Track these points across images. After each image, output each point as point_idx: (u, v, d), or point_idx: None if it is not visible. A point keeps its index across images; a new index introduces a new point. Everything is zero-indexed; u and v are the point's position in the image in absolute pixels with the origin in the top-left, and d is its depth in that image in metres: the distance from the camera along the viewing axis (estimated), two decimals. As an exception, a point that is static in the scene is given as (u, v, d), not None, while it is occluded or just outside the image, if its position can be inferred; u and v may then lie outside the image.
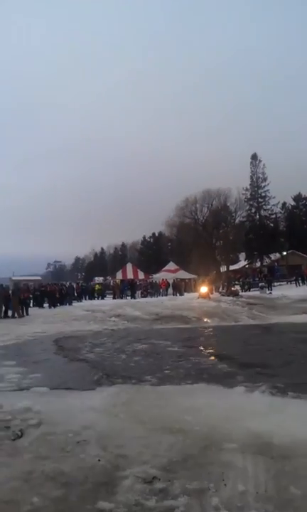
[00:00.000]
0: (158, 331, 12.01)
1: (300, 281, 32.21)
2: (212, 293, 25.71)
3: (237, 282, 33.98)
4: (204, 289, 24.11)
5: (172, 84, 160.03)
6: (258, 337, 10.74)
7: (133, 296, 27.56)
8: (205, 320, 14.23)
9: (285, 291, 28.32)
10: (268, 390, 5.24)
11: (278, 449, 3.45)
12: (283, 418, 4.22)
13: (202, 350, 8.55)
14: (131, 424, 4.05)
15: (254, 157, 50.01)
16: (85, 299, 26.41)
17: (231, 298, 23.39)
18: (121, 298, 27.28)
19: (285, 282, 36.07)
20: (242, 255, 53.86)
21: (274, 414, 4.37)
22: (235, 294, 25.91)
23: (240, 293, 27.73)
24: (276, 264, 44.41)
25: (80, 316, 15.38)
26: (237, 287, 30.33)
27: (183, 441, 3.64)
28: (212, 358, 7.72)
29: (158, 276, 35.16)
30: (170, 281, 31.65)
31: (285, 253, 45.50)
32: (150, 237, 77.39)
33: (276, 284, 34.03)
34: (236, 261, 54.32)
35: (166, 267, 38.48)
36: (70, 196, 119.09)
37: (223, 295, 25.99)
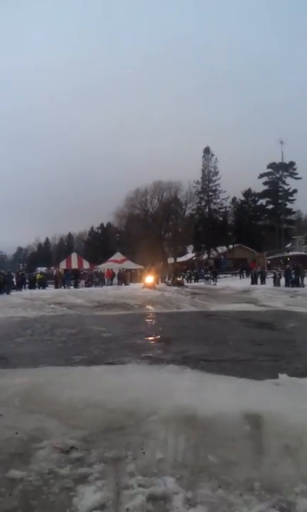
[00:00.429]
0: (98, 316, 11.87)
1: (244, 274, 33.30)
2: (157, 283, 25.96)
3: (183, 273, 34.58)
4: (149, 279, 24.28)
5: (123, 71, 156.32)
6: (195, 321, 10.97)
7: (76, 286, 27.15)
8: (147, 307, 14.28)
9: (229, 282, 29.21)
10: (198, 368, 5.32)
11: (201, 421, 3.47)
12: (209, 393, 4.26)
13: (139, 333, 8.54)
14: (54, 399, 3.92)
15: (207, 151, 50.98)
16: (25, 289, 25.57)
17: (176, 288, 23.74)
18: (64, 287, 26.77)
19: (230, 274, 37.21)
20: (190, 247, 54.92)
21: (201, 390, 4.40)
22: (180, 284, 26.36)
23: (185, 283, 28.24)
24: (222, 256, 45.63)
25: (17, 304, 14.88)
26: (183, 278, 30.85)
27: (106, 414, 3.57)
28: (148, 340, 7.73)
29: (104, 267, 34.86)
30: (116, 272, 31.51)
31: (232, 246, 46.83)
32: (98, 227, 76.62)
33: (221, 276, 35.02)
34: (184, 253, 55.30)
35: (113, 257, 38.16)
36: (14, 184, 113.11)
37: (169, 285, 26.35)
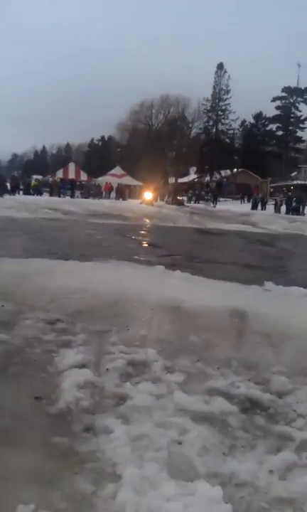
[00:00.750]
0: (93, 223, 11.77)
1: (245, 199, 32.90)
2: (156, 200, 25.59)
3: (184, 194, 33.99)
4: (148, 195, 23.89)
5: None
6: (190, 235, 11.05)
7: (72, 196, 26.63)
8: (144, 219, 14.23)
9: (229, 206, 28.87)
10: (186, 270, 5.34)
11: (186, 311, 3.52)
12: (197, 291, 4.29)
13: (132, 239, 8.56)
14: (42, 285, 3.89)
15: (220, 67, 47.60)
16: (19, 194, 24.70)
17: (175, 207, 23.45)
18: (60, 196, 26.18)
19: (231, 199, 36.72)
20: (193, 169, 53.44)
21: (189, 288, 4.44)
22: (180, 203, 26.03)
23: (185, 203, 27.89)
24: (225, 180, 44.61)
25: (10, 206, 14.47)
26: (184, 198, 30.41)
27: (93, 299, 3.59)
28: (140, 244, 7.76)
29: (102, 180, 34.05)
30: (115, 186, 30.87)
31: (236, 170, 45.65)
32: (98, 140, 73.38)
33: (221, 199, 34.53)
34: (186, 174, 53.91)
35: (112, 171, 37.09)
36: (10, 85, 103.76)
37: (168, 203, 26.00)
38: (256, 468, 1.71)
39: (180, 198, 28.27)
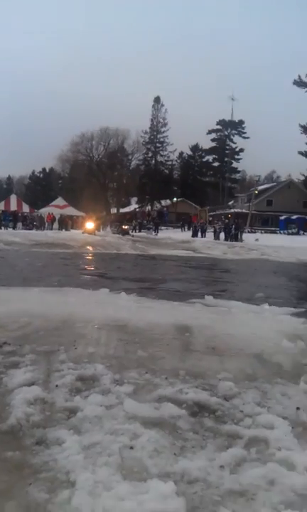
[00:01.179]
0: (36, 253, 11.63)
1: (185, 227, 33.92)
2: (98, 230, 25.66)
3: (128, 223, 34.41)
4: (90, 225, 23.91)
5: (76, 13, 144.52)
6: (133, 260, 11.21)
7: (15, 228, 26.13)
8: (87, 248, 14.23)
9: (170, 234, 29.61)
10: (131, 292, 5.45)
11: (132, 328, 3.60)
12: (142, 311, 4.41)
13: (75, 265, 8.55)
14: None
15: (157, 100, 49.53)
16: None
17: (117, 235, 23.64)
18: (1, 229, 25.62)
19: (171, 227, 37.69)
20: (134, 200, 54.47)
21: (135, 308, 4.55)
22: (126, 232, 26.26)
23: (131, 232, 28.19)
24: (165, 209, 45.79)
25: None
26: (129, 227, 30.77)
27: (41, 322, 3.57)
28: (84, 270, 7.77)
29: (45, 211, 33.73)
30: (57, 217, 30.65)
31: (175, 200, 47.09)
32: (40, 172, 72.88)
33: (162, 228, 35.33)
34: (127, 204, 54.80)
35: (54, 202, 36.96)
36: None
37: (114, 232, 26.14)
38: (207, 464, 1.78)
39: (126, 227, 28.57)
